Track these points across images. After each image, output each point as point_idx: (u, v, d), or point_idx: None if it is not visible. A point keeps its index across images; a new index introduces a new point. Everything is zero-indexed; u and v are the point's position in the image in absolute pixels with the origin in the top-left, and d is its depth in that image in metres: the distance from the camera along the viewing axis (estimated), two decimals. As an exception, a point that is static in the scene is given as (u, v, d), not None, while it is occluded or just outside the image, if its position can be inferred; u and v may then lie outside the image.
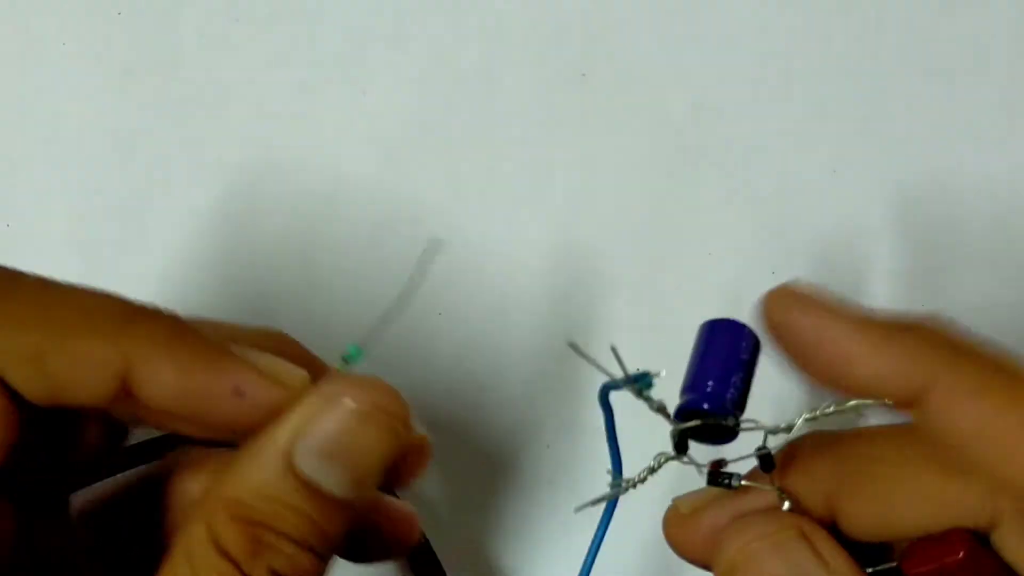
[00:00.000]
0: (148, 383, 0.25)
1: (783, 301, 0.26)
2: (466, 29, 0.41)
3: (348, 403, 0.25)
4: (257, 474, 0.25)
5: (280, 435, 0.25)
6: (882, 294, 0.39)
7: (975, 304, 0.38)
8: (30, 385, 0.25)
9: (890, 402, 0.24)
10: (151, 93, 0.42)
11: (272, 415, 0.25)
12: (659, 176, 0.40)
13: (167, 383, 0.25)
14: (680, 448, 0.27)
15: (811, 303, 0.26)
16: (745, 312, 0.39)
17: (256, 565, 0.24)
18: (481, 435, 0.37)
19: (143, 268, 0.41)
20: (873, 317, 0.25)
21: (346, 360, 0.27)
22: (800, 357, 0.26)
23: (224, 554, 0.24)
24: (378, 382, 0.26)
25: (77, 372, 0.25)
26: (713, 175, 0.39)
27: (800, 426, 0.26)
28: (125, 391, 0.25)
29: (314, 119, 0.41)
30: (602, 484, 0.30)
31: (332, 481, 0.25)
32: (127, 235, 0.41)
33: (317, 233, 0.41)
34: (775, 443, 0.27)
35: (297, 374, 0.26)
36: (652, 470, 0.28)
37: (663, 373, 0.26)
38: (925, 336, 0.25)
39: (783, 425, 0.26)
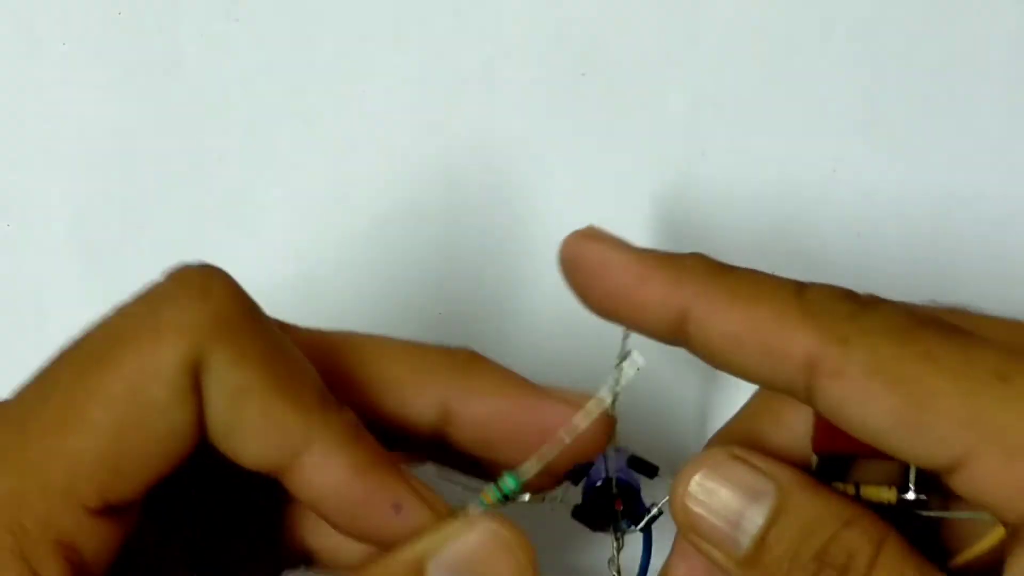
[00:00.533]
0: (319, 472, 0.26)
1: (577, 237, 0.27)
2: (466, 28, 0.41)
3: (491, 526, 0.26)
4: (391, 573, 0.26)
5: (421, 544, 0.26)
6: (883, 293, 0.39)
7: (974, 299, 0.38)
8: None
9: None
10: (151, 93, 0.42)
11: (414, 536, 0.26)
12: (659, 174, 0.40)
13: (336, 477, 0.26)
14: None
15: (600, 238, 0.27)
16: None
17: None
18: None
19: (142, 268, 0.41)
20: (651, 252, 0.27)
21: (500, 489, 0.28)
22: (586, 287, 0.27)
23: None
24: (520, 529, 0.27)
25: (258, 436, 0.25)
26: (713, 173, 0.39)
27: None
28: (290, 471, 0.26)
29: (314, 118, 0.41)
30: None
31: None
32: (127, 235, 0.41)
33: (316, 232, 0.41)
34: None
35: (444, 504, 0.27)
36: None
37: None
38: (687, 265, 0.26)
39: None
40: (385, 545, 0.27)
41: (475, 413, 0.29)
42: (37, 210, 0.42)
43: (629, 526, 0.31)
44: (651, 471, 0.32)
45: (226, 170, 0.41)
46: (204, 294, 0.25)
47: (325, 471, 0.26)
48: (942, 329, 0.24)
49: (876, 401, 0.24)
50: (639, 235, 0.40)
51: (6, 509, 0.24)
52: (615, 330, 0.39)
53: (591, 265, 0.27)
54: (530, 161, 0.40)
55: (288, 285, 0.41)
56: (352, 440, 0.26)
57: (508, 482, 0.28)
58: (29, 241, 0.42)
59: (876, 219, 0.39)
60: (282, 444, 0.25)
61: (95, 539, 0.25)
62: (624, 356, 0.29)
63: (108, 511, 0.25)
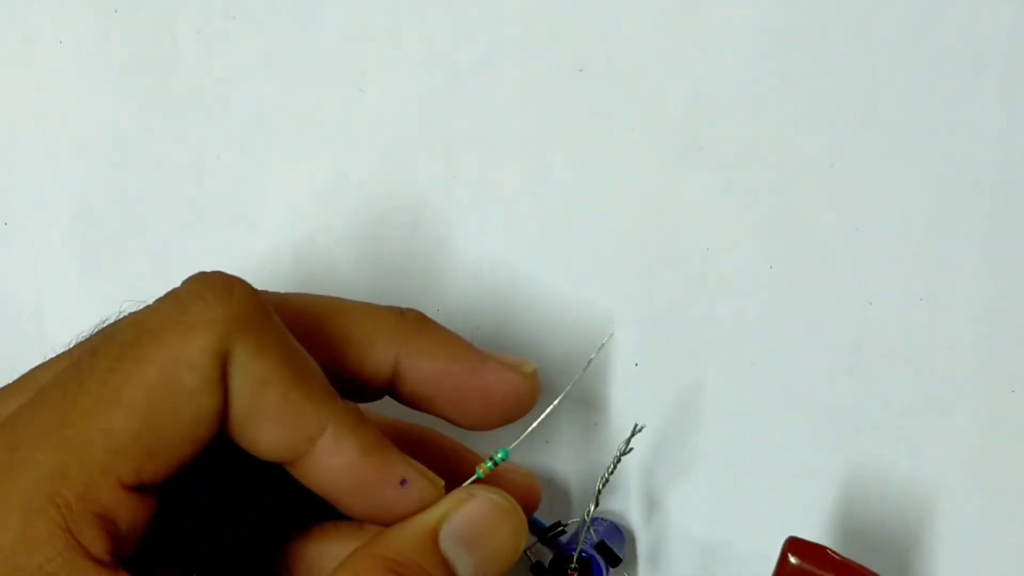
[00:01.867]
0: (332, 455, 0.28)
1: None
2: (464, 25, 0.41)
3: (489, 495, 0.29)
4: (407, 543, 0.28)
5: (430, 515, 0.29)
6: (877, 289, 0.39)
7: (973, 295, 0.38)
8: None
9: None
10: (148, 91, 0.42)
11: (420, 507, 0.29)
12: (657, 171, 0.40)
13: (347, 459, 0.28)
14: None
15: None
16: (741, 306, 0.39)
17: None
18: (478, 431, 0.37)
19: (140, 266, 0.41)
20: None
21: (495, 463, 0.31)
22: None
23: None
24: (511, 497, 0.30)
25: (277, 423, 0.28)
26: (711, 169, 0.39)
27: None
28: (304, 457, 0.28)
29: (312, 116, 0.41)
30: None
31: (463, 569, 0.28)
32: (124, 233, 0.41)
33: (315, 230, 0.41)
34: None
35: (439, 479, 0.30)
36: None
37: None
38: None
39: None
40: (392, 521, 0.29)
41: (423, 371, 0.31)
42: (35, 208, 0.42)
43: None
44: (615, 561, 0.35)
45: (224, 168, 0.41)
46: (227, 293, 0.28)
47: (338, 454, 0.28)
48: None
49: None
50: (637, 231, 0.40)
51: (50, 484, 0.26)
52: (605, 325, 0.40)
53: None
54: (528, 157, 0.40)
55: (287, 283, 0.41)
56: (358, 425, 0.28)
57: (499, 454, 0.31)
58: (27, 239, 0.42)
59: (874, 214, 0.39)
60: (299, 431, 0.28)
61: (130, 513, 0.27)
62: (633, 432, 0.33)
63: (140, 488, 0.27)
